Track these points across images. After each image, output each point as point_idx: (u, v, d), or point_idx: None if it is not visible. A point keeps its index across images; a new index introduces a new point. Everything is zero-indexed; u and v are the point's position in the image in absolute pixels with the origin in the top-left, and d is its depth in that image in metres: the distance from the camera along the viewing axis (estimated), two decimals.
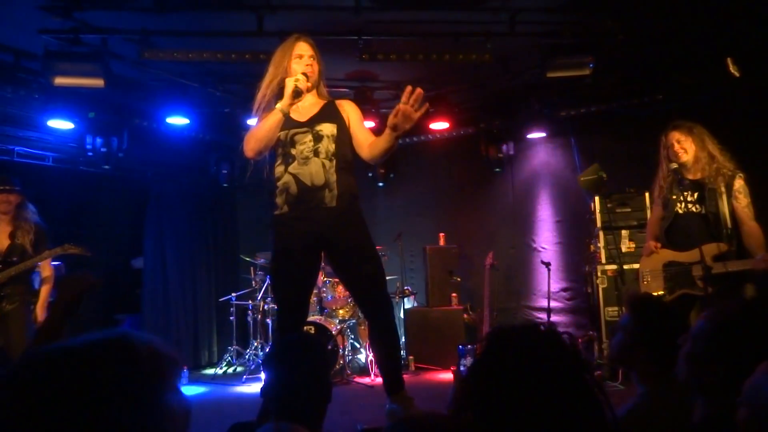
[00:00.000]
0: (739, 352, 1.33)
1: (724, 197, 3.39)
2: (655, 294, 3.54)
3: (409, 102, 2.66)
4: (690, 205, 3.48)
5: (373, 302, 2.99)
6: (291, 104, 2.85)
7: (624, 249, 5.25)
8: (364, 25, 4.41)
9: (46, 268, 4.34)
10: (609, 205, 5.34)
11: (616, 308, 5.02)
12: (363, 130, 3.09)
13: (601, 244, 5.38)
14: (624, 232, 5.32)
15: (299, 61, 2.97)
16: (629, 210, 5.39)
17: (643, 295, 2.07)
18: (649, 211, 5.33)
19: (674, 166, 3.52)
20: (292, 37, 3.04)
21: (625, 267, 4.92)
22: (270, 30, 4.22)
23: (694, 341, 1.43)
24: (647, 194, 5.35)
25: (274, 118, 2.86)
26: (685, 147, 3.51)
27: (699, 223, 3.40)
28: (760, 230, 3.36)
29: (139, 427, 0.74)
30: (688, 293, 3.41)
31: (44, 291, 4.31)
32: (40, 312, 4.27)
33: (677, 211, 3.52)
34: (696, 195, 3.44)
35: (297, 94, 2.84)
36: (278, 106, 2.85)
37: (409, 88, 2.67)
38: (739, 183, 3.42)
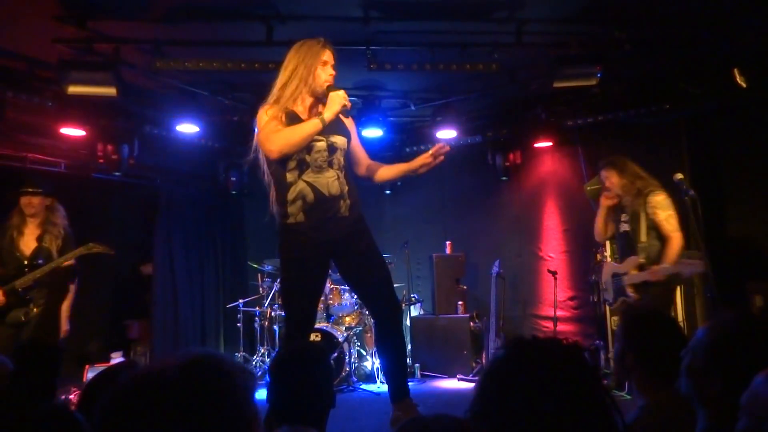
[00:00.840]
0: (738, 365, 1.33)
1: (642, 215, 3.76)
2: (608, 299, 4.05)
3: (435, 155, 3.06)
4: (623, 225, 3.92)
5: (386, 306, 3.05)
6: (331, 119, 2.93)
7: None
8: (372, 35, 4.46)
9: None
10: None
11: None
12: (361, 149, 3.27)
13: (608, 253, 5.38)
14: None
15: (324, 69, 3.00)
16: None
17: (634, 306, 2.09)
18: None
19: (679, 176, 3.55)
20: (317, 41, 3.03)
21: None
22: (279, 40, 4.27)
23: (693, 354, 1.43)
24: None
25: (314, 127, 2.88)
26: (612, 181, 3.95)
27: (626, 241, 3.89)
28: (677, 241, 3.65)
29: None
30: (624, 300, 3.78)
31: (66, 301, 4.28)
32: (64, 322, 4.26)
33: (619, 231, 3.99)
34: (627, 216, 3.89)
35: (345, 113, 2.99)
36: (325, 115, 2.89)
37: (439, 145, 3.09)
38: (654, 199, 3.74)
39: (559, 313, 5.87)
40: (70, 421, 0.98)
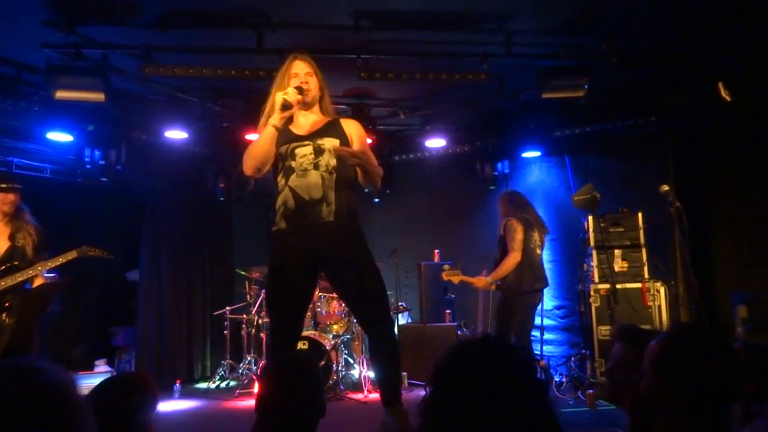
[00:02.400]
0: (688, 382, 1.30)
1: (502, 237, 4.58)
2: None
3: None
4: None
5: (372, 318, 2.97)
6: (282, 117, 2.85)
7: (617, 268, 5.29)
8: (362, 43, 4.48)
9: (39, 279, 3.86)
10: (602, 225, 5.38)
11: (608, 327, 5.05)
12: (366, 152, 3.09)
13: (595, 263, 5.42)
14: (617, 252, 5.37)
15: (295, 80, 2.96)
16: (622, 229, 5.43)
17: (632, 326, 2.07)
18: (642, 231, 5.39)
19: (665, 188, 3.60)
20: (290, 56, 3.05)
21: (618, 286, 4.97)
22: (269, 47, 4.28)
23: (644, 375, 1.40)
24: (640, 214, 5.42)
25: (267, 133, 2.86)
26: (500, 210, 4.74)
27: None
28: (510, 259, 4.41)
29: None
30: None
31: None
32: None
33: None
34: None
35: (285, 107, 2.83)
36: (270, 120, 2.86)
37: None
38: (505, 225, 4.53)
39: (546, 322, 5.89)
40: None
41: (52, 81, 4.21)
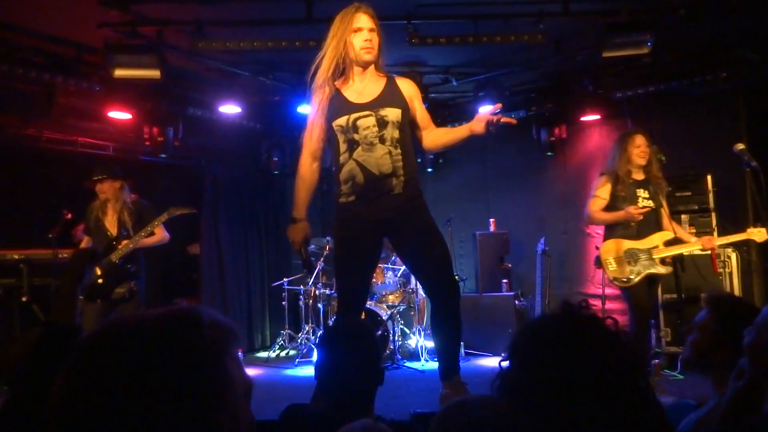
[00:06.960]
0: None
1: (662, 195, 4.04)
2: (624, 278, 4.03)
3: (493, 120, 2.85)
4: (643, 200, 4.00)
5: (441, 285, 2.98)
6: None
7: None
8: (413, 8, 4.37)
9: (159, 231, 4.52)
10: (668, 189, 5.14)
11: (674, 295, 4.84)
12: (425, 115, 3.09)
13: None
14: (684, 217, 5.13)
15: (359, 35, 2.85)
16: (689, 193, 5.19)
17: (725, 295, 1.94)
18: (711, 195, 5.12)
19: (741, 147, 3.37)
20: (351, 6, 2.91)
21: (685, 253, 4.75)
22: (319, 17, 4.23)
23: (758, 331, 1.36)
24: (709, 177, 5.14)
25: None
26: (645, 151, 4.03)
27: (652, 217, 3.98)
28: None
29: (200, 391, 0.75)
30: (653, 274, 4.00)
31: (150, 239, 4.45)
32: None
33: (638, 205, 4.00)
34: (647, 193, 4.01)
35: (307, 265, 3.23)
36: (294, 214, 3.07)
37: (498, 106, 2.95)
38: (666, 188, 4.17)
39: (608, 291, 5.71)
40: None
41: (110, 59, 4.31)
